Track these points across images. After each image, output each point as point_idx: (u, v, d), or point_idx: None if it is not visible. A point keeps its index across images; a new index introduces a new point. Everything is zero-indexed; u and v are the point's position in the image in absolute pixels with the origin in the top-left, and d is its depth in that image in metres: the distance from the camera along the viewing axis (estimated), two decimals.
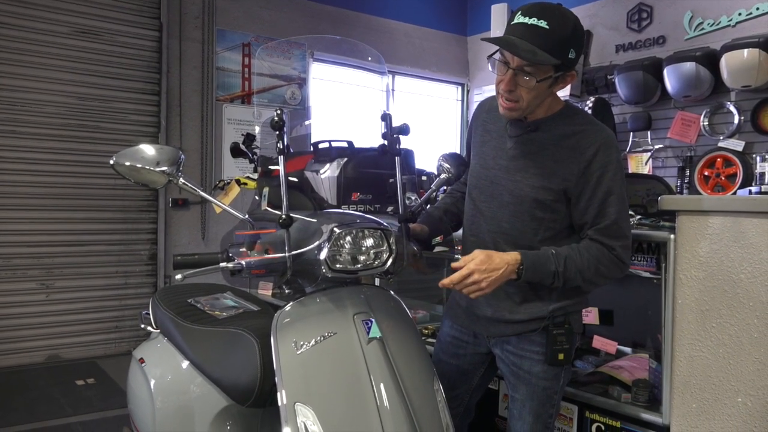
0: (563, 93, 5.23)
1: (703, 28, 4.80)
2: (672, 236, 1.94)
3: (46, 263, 4.75)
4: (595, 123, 1.76)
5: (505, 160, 1.80)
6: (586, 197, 1.69)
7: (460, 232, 1.97)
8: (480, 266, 1.60)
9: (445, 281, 1.62)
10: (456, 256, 1.85)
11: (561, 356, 1.77)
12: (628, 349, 2.58)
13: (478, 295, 1.63)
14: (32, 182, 4.68)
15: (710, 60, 4.44)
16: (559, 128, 1.74)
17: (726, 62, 4.30)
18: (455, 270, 1.63)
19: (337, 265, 1.53)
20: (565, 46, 1.60)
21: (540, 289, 1.77)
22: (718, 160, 4.51)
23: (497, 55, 1.68)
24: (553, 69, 1.63)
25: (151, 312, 2.35)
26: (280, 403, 1.44)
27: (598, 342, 2.30)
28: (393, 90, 6.38)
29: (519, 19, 1.61)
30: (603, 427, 2.12)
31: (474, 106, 6.95)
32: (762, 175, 4.13)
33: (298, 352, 1.49)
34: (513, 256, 1.65)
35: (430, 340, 2.73)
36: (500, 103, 1.73)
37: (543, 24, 1.57)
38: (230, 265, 1.50)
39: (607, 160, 1.68)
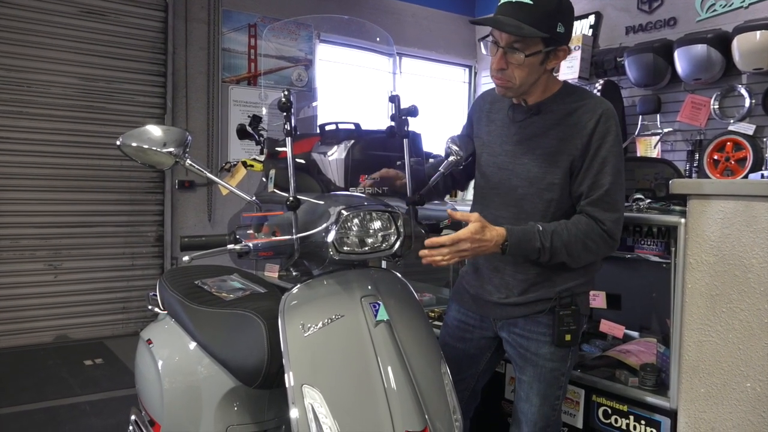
0: (572, 75, 5.18)
1: (715, 10, 4.73)
2: (682, 220, 1.92)
3: (53, 244, 4.77)
4: (594, 96, 1.78)
5: (511, 145, 1.81)
6: (585, 167, 1.71)
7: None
8: (474, 235, 1.60)
9: (430, 242, 1.59)
10: None
11: (568, 337, 1.77)
12: (635, 334, 2.58)
13: (447, 263, 1.61)
14: (39, 163, 4.69)
15: (722, 42, 4.37)
16: (560, 107, 1.75)
17: (738, 44, 4.24)
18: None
19: (345, 248, 1.53)
20: (552, 19, 1.64)
21: (547, 272, 1.77)
22: (728, 143, 4.46)
23: (489, 38, 1.72)
24: (542, 44, 1.66)
25: (158, 293, 2.36)
26: (287, 385, 1.44)
27: (606, 326, 2.29)
28: (400, 72, 6.33)
29: None
30: (610, 411, 2.12)
31: (481, 89, 6.90)
32: None
33: (306, 335, 1.48)
34: (499, 232, 1.65)
35: (436, 323, 2.72)
36: (495, 84, 1.77)
37: (527, 0, 1.61)
38: (237, 247, 1.49)
39: (606, 131, 1.70)
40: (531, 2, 1.61)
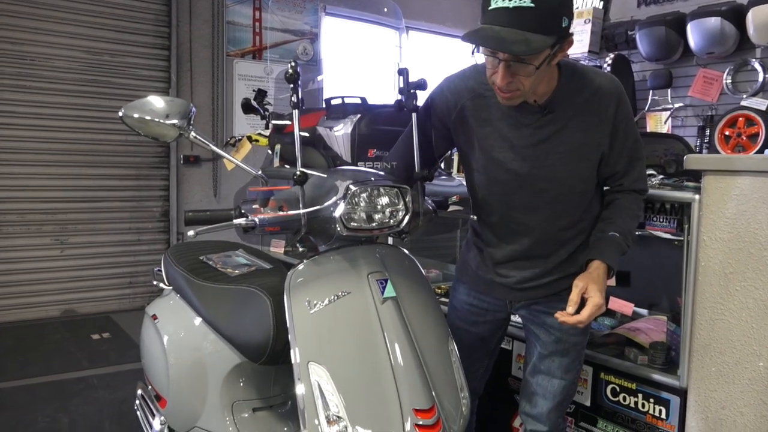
0: (582, 50, 5.09)
1: None
2: (696, 197, 1.88)
3: (59, 219, 4.77)
4: (600, 74, 1.68)
5: (527, 149, 1.67)
6: (617, 150, 1.68)
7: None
8: (601, 299, 1.57)
9: (581, 324, 1.58)
10: (473, 216, 1.80)
11: None
12: (644, 311, 2.55)
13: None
14: (44, 138, 4.67)
15: (736, 15, 4.27)
16: (572, 98, 1.63)
17: (753, 17, 4.14)
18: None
19: (352, 224, 1.50)
20: (557, 16, 1.43)
21: (570, 251, 1.76)
22: (740, 119, 4.37)
23: (480, 48, 1.52)
24: (549, 46, 1.46)
25: (163, 269, 2.34)
26: (293, 362, 1.42)
27: (615, 303, 2.26)
28: (408, 44, 6.24)
29: (498, 3, 1.41)
30: (618, 389, 2.10)
31: None
32: None
33: (312, 312, 1.46)
34: (603, 271, 1.63)
35: (443, 299, 2.70)
36: (498, 94, 1.57)
37: (527, 2, 1.38)
38: (243, 221, 1.47)
39: (627, 109, 1.67)
40: (532, 4, 1.38)
